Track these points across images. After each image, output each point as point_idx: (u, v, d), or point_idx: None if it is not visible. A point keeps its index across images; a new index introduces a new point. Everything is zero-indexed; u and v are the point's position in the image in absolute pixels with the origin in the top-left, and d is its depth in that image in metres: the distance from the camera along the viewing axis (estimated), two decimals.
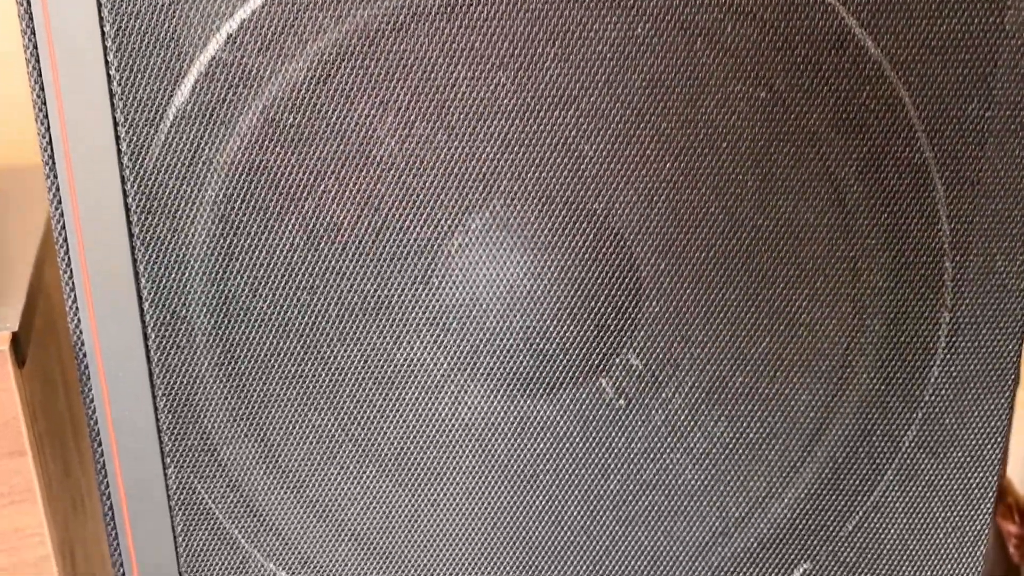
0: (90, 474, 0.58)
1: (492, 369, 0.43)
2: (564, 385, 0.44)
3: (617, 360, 0.44)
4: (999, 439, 0.43)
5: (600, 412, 0.45)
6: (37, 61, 0.38)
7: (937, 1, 0.38)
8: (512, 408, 0.44)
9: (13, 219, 0.58)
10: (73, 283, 0.41)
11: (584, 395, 0.45)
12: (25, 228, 0.56)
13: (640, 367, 0.44)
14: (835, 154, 0.39)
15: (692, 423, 0.44)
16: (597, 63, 0.38)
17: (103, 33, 0.38)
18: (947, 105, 0.39)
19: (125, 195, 0.40)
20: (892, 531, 0.45)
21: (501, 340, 0.43)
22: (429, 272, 0.41)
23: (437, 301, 0.42)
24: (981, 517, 0.45)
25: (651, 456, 0.45)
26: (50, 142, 0.39)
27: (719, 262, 0.41)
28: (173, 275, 0.41)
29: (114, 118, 0.39)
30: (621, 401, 0.45)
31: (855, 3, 0.38)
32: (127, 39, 0.37)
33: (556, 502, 0.45)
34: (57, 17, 0.37)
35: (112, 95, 0.38)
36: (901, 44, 0.38)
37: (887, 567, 0.46)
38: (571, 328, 0.43)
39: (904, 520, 0.45)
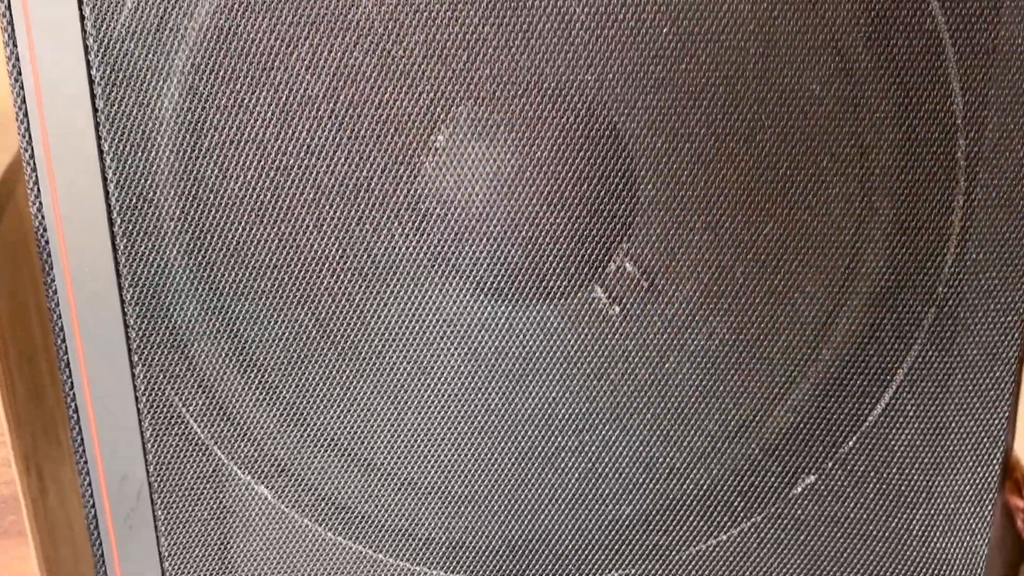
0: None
1: (477, 266, 0.41)
2: (555, 291, 0.42)
3: (610, 265, 0.42)
4: (1016, 335, 0.41)
5: (593, 319, 0.42)
6: None
7: None
8: (498, 312, 0.42)
9: None
10: (34, 163, 0.39)
11: (576, 303, 0.42)
12: None
13: (634, 271, 0.42)
14: (841, 20, 0.37)
15: (691, 322, 0.42)
16: None
17: None
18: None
19: (89, 66, 0.37)
20: (903, 437, 0.42)
21: (487, 234, 0.40)
22: (410, 153, 0.39)
23: (419, 186, 0.40)
24: (998, 421, 0.42)
25: (647, 358, 0.42)
26: (9, 8, 0.37)
27: (718, 140, 0.38)
28: (140, 154, 0.38)
29: None
30: (615, 308, 0.42)
31: None
32: None
33: (546, 406, 0.43)
34: None
35: None
36: None
37: (898, 477, 0.43)
38: (561, 225, 0.40)
39: (916, 425, 0.42)
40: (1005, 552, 0.78)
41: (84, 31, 0.37)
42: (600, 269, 0.42)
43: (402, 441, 0.43)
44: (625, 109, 0.38)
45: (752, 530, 0.45)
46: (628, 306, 0.42)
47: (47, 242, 0.39)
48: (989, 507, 0.43)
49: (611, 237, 0.41)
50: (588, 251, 0.41)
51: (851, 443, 0.43)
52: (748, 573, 0.45)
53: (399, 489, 0.44)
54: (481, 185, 0.39)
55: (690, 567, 0.45)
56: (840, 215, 0.39)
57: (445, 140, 0.39)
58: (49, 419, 0.50)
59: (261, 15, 0.37)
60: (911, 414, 0.42)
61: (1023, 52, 0.37)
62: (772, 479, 0.44)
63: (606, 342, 0.42)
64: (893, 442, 0.43)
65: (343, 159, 0.39)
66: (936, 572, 0.44)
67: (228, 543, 0.45)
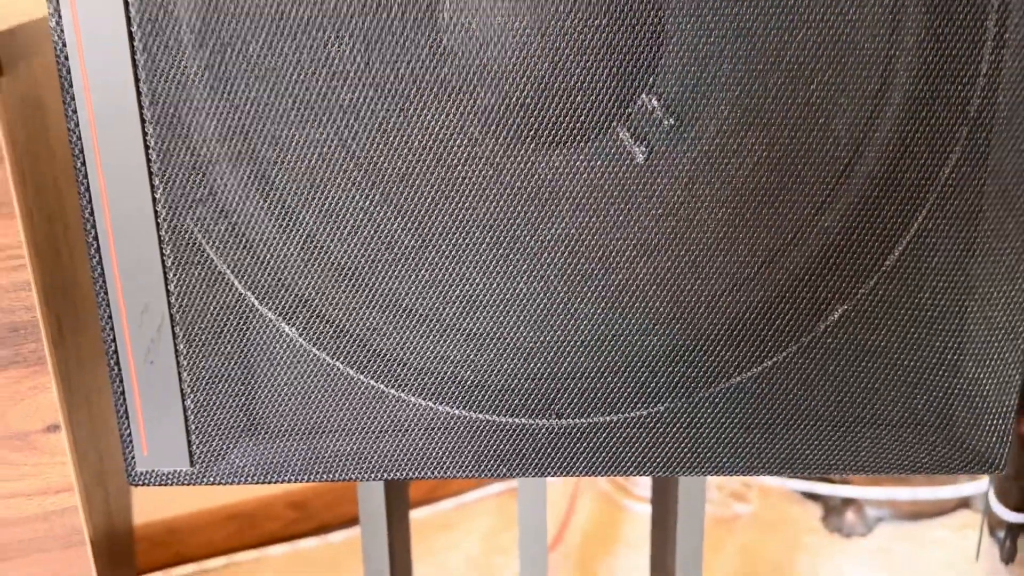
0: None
1: (498, 109, 0.40)
2: (579, 133, 0.41)
3: (635, 104, 0.41)
4: None
5: (619, 159, 0.41)
6: None
7: None
8: (528, 158, 0.41)
9: None
10: None
11: (602, 144, 0.41)
12: None
13: (660, 109, 0.41)
14: None
15: (718, 160, 0.41)
16: None
17: None
18: None
19: None
20: (936, 260, 0.42)
21: (513, 88, 0.39)
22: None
23: (441, 36, 0.39)
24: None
25: (676, 189, 0.42)
26: None
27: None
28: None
29: None
30: (640, 148, 0.42)
31: None
32: None
33: (573, 242, 0.42)
34: None
35: None
36: None
37: (930, 302, 0.42)
38: (589, 75, 0.40)
39: (949, 246, 0.42)
40: (1022, 477, 0.78)
41: None
42: (624, 109, 0.41)
43: (427, 275, 0.43)
44: None
45: (781, 365, 0.44)
46: (654, 144, 0.41)
47: (66, 58, 0.39)
48: (1022, 335, 0.43)
49: (636, 71, 0.40)
50: (611, 88, 0.40)
51: (884, 269, 0.42)
52: (779, 408, 0.44)
53: (424, 325, 0.44)
54: (501, 22, 0.39)
55: (719, 403, 0.44)
56: (874, 22, 0.38)
57: None
58: (68, 259, 0.49)
59: None
60: (944, 235, 0.41)
61: None
62: (804, 309, 0.43)
63: (633, 178, 0.42)
64: (925, 265, 0.42)
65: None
66: (968, 403, 0.44)
67: (252, 382, 0.44)
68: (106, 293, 0.42)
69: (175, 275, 0.42)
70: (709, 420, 0.45)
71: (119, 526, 0.66)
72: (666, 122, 0.41)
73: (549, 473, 0.45)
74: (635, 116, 0.41)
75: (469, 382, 0.44)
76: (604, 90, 0.40)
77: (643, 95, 0.41)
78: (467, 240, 0.42)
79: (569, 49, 0.39)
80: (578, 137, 0.41)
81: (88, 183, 0.40)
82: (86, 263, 0.42)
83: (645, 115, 0.41)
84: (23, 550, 0.43)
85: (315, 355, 0.44)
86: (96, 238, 0.41)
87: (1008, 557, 0.82)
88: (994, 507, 0.81)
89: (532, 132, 0.41)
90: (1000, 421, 0.44)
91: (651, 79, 0.40)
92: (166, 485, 0.45)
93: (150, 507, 0.91)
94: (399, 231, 0.42)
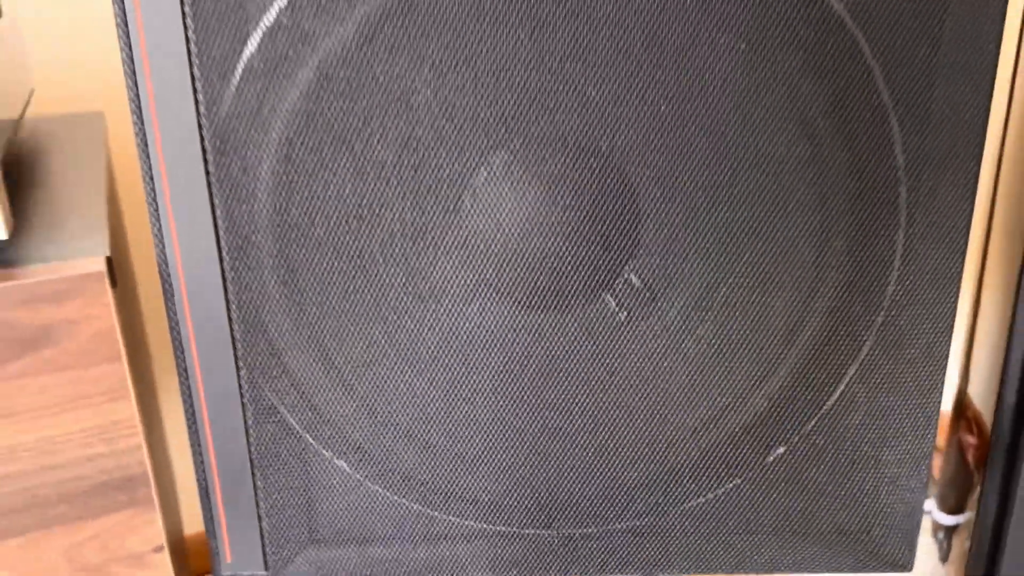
0: (154, 378, 0.66)
1: (512, 286, 0.51)
2: (575, 301, 0.52)
3: (620, 279, 0.51)
4: (947, 337, 0.51)
5: (605, 323, 0.52)
6: (126, 26, 0.45)
7: None
8: (530, 319, 0.52)
9: (77, 160, 0.66)
10: (159, 215, 0.48)
11: (592, 310, 0.52)
12: (91, 168, 0.64)
13: (639, 284, 0.52)
14: (805, 96, 0.46)
15: (684, 330, 0.52)
16: (602, 20, 0.45)
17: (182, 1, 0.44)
18: (901, 52, 0.45)
19: (202, 139, 0.47)
20: (855, 418, 0.53)
21: (520, 260, 0.50)
22: (459, 202, 0.49)
23: (466, 226, 0.49)
24: (931, 405, 0.52)
25: (649, 357, 0.53)
26: (137, 97, 0.46)
27: (706, 190, 0.48)
28: (244, 206, 0.48)
29: (192, 74, 0.46)
30: (623, 314, 0.52)
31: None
32: (201, 4, 0.44)
33: (567, 396, 0.53)
34: None
35: (190, 54, 0.45)
36: (874, 18, 0.45)
37: (851, 449, 0.54)
38: (580, 250, 0.50)
39: (865, 408, 0.53)
40: (957, 483, 0.89)
41: (198, 112, 0.46)
42: (611, 282, 0.52)
43: (452, 424, 0.54)
44: (632, 161, 0.48)
45: (734, 490, 0.55)
46: (633, 312, 0.52)
47: (169, 275, 0.49)
48: (925, 471, 0.54)
49: (620, 257, 0.51)
50: (601, 268, 0.51)
51: (813, 423, 0.53)
52: (732, 523, 0.56)
53: (450, 462, 0.55)
54: (512, 217, 0.49)
55: (684, 520, 0.56)
56: (804, 249, 0.49)
57: (483, 181, 0.49)
58: (156, 412, 0.61)
59: (341, 100, 0.46)
60: (861, 400, 0.53)
61: (952, 120, 0.47)
62: (749, 451, 0.54)
63: (615, 341, 0.53)
64: (847, 422, 0.53)
65: (406, 208, 0.48)
66: (882, 524, 0.55)
67: (313, 505, 0.56)
68: (200, 445, 0.53)
69: (254, 429, 0.53)
70: (676, 532, 0.56)
71: None
72: (644, 293, 0.52)
73: (552, 574, 0.57)
74: (620, 287, 0.52)
75: (486, 503, 0.56)
76: (596, 266, 0.51)
77: (626, 272, 0.51)
78: (485, 398, 0.53)
79: (566, 233, 0.50)
80: (574, 302, 0.52)
81: (186, 368, 0.51)
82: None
83: (627, 286, 0.52)
84: None
85: (363, 483, 0.55)
86: (192, 406, 0.52)
87: (944, 556, 0.94)
88: (934, 514, 0.93)
89: (538, 296, 0.51)
90: (908, 535, 0.55)
91: (632, 261, 0.51)
92: None
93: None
94: (432, 395, 0.53)
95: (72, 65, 0.82)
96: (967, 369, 0.84)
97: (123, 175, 0.87)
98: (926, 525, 0.96)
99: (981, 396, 0.82)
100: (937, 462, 1.10)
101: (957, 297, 0.50)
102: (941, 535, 0.93)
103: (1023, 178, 0.71)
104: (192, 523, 1.03)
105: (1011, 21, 0.69)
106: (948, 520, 0.91)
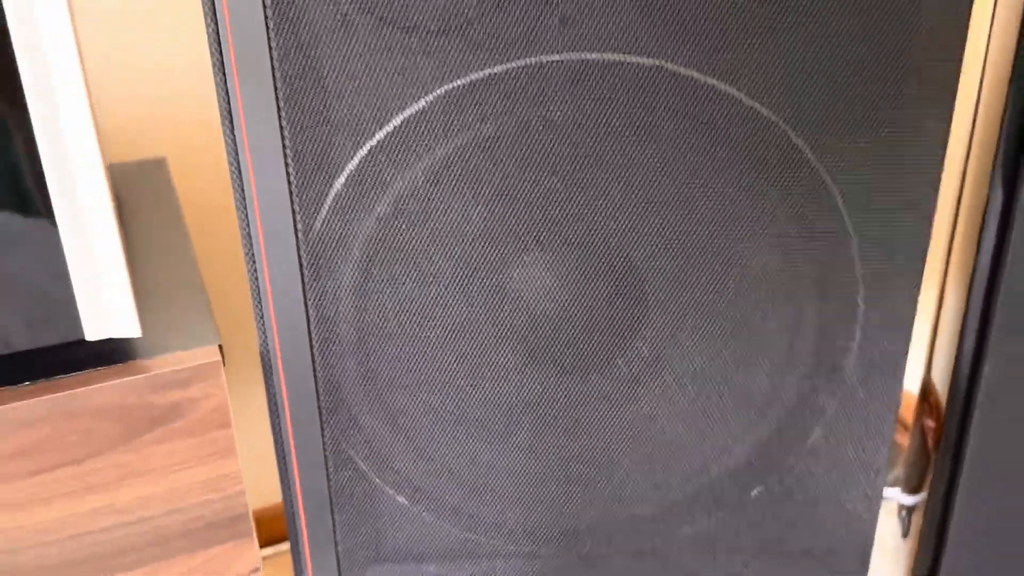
0: None
1: (542, 357, 0.63)
2: (593, 365, 0.64)
3: (630, 348, 0.64)
4: (892, 414, 0.63)
5: (617, 386, 0.65)
6: (239, 169, 0.56)
7: (865, 118, 0.55)
8: (556, 384, 0.64)
9: (154, 214, 0.77)
10: (262, 310, 0.60)
11: (606, 375, 0.64)
12: (172, 227, 0.75)
13: (647, 353, 0.64)
14: (784, 227, 0.58)
15: (680, 395, 0.64)
16: (620, 166, 0.56)
17: (284, 148, 0.56)
18: (867, 196, 0.57)
19: (299, 255, 0.59)
20: (819, 467, 0.66)
21: (549, 336, 0.62)
22: (499, 295, 0.60)
23: (505, 314, 0.61)
24: (879, 460, 0.65)
25: (651, 416, 0.65)
26: (248, 223, 0.58)
27: (704, 290, 0.60)
28: (330, 306, 0.60)
29: (292, 208, 0.57)
30: (631, 378, 0.64)
31: (800, 125, 0.55)
32: (300, 150, 0.56)
33: (585, 447, 0.66)
34: (253, 136, 0.55)
35: (291, 192, 0.57)
36: (834, 152, 0.56)
37: (815, 489, 0.66)
38: (600, 328, 0.62)
39: (827, 459, 0.65)
40: (919, 464, 1.02)
41: (296, 236, 0.58)
42: (624, 351, 0.64)
43: (493, 470, 0.66)
44: (642, 256, 0.60)
45: (720, 520, 0.68)
46: (639, 376, 0.64)
47: (269, 357, 0.61)
48: (876, 508, 0.67)
49: (630, 332, 0.63)
50: (615, 340, 0.63)
51: (785, 469, 0.66)
52: (719, 547, 0.69)
53: (490, 499, 0.68)
54: (546, 313, 0.61)
55: (680, 543, 0.69)
56: (780, 340, 0.61)
57: (521, 287, 0.60)
58: None
59: (410, 228, 0.58)
60: (823, 453, 0.65)
61: (904, 246, 0.58)
62: (733, 490, 0.67)
63: (625, 402, 0.65)
64: (813, 469, 0.66)
65: (458, 305, 0.60)
66: (841, 547, 0.68)
67: (379, 531, 0.68)
68: (289, 486, 0.66)
69: (333, 474, 0.66)
70: (674, 553, 0.69)
71: None
72: (650, 362, 0.64)
73: None
74: (630, 354, 0.64)
75: (519, 530, 0.69)
76: (611, 336, 0.63)
77: (636, 341, 0.64)
78: (520, 449, 0.66)
79: (588, 313, 0.62)
80: (593, 366, 0.64)
81: (280, 427, 0.63)
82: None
83: (637, 354, 0.64)
84: None
85: (419, 514, 0.68)
86: (284, 456, 0.64)
87: (905, 532, 1.08)
88: (896, 496, 1.06)
89: (563, 364, 0.64)
90: (862, 553, 0.68)
91: (640, 331, 0.63)
92: None
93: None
94: (477, 448, 0.65)
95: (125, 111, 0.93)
96: (931, 358, 0.96)
97: (189, 218, 0.98)
98: (891, 506, 1.09)
99: (942, 383, 0.95)
100: (904, 443, 1.24)
101: (903, 377, 0.62)
102: (904, 514, 1.06)
103: (981, 190, 0.82)
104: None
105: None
106: (908, 500, 1.04)
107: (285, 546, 1.22)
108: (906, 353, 0.62)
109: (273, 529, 1.21)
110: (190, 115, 0.96)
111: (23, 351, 0.57)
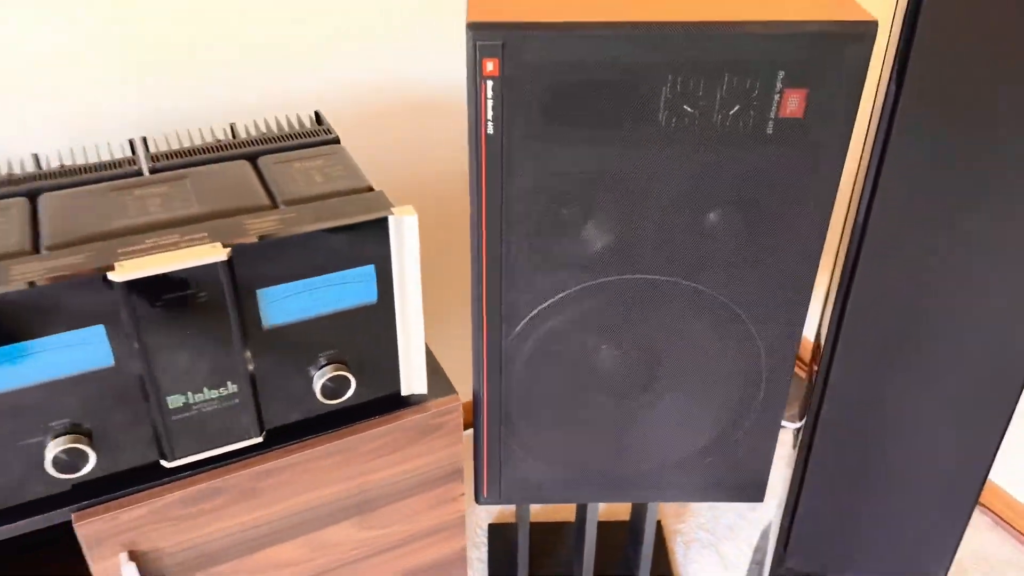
0: None
1: (607, 390, 1.29)
2: (630, 395, 1.30)
3: (646, 391, 1.30)
4: (780, 414, 1.30)
5: (641, 405, 1.31)
6: (480, 298, 1.21)
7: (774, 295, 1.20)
8: (614, 402, 1.30)
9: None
10: (479, 374, 1.25)
11: (636, 400, 1.30)
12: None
13: (654, 393, 1.30)
14: (726, 346, 1.23)
15: (671, 412, 1.31)
16: (650, 321, 1.21)
17: (501, 303, 1.20)
18: (775, 341, 1.22)
19: (501, 350, 1.23)
20: (751, 440, 1.33)
21: (612, 384, 1.28)
22: (590, 366, 1.26)
23: (592, 373, 1.27)
24: (771, 446, 1.32)
25: (655, 420, 1.32)
26: (481, 337, 1.23)
27: (685, 372, 1.26)
28: (509, 370, 1.25)
29: (501, 328, 1.22)
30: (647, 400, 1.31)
31: (732, 295, 1.20)
32: (507, 303, 1.20)
33: (627, 436, 1.33)
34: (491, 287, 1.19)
35: (501, 321, 1.21)
36: (759, 320, 1.21)
37: (747, 459, 1.34)
38: (634, 379, 1.28)
39: (755, 436, 1.33)
40: (804, 398, 1.71)
41: (501, 342, 1.23)
42: (643, 390, 1.30)
43: (594, 451, 1.33)
44: (656, 353, 1.25)
45: (700, 464, 1.36)
46: (651, 401, 1.31)
47: (479, 389, 1.27)
48: (771, 455, 1.34)
49: (647, 382, 1.29)
50: (639, 384, 1.29)
51: (731, 445, 1.33)
52: (699, 479, 1.37)
53: (581, 456, 1.35)
54: (610, 366, 1.27)
55: (664, 484, 1.37)
56: (723, 387, 1.27)
57: (600, 357, 1.26)
58: None
59: (550, 358, 1.23)
60: (753, 436, 1.32)
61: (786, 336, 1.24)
62: (703, 459, 1.35)
63: (644, 412, 1.32)
64: (746, 445, 1.33)
65: (569, 371, 1.26)
66: (756, 478, 1.36)
67: (524, 474, 1.36)
68: (478, 449, 1.33)
69: (502, 459, 1.33)
70: (659, 485, 1.37)
71: None
72: (649, 388, 1.31)
73: (624, 493, 1.38)
74: (646, 393, 1.30)
75: (595, 470, 1.36)
76: (638, 383, 1.29)
77: (649, 387, 1.30)
78: (606, 432, 1.33)
79: (628, 371, 1.28)
80: (630, 395, 1.31)
81: (479, 423, 1.30)
82: None
83: (650, 393, 1.30)
84: None
85: (542, 466, 1.35)
86: (477, 431, 1.31)
87: (795, 444, 1.77)
88: (787, 425, 1.75)
89: (618, 391, 1.30)
90: (760, 484, 1.37)
91: (651, 384, 1.29)
92: (486, 505, 1.38)
93: None
94: (585, 438, 1.32)
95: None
96: (820, 321, 1.63)
97: None
98: (787, 434, 1.79)
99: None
100: (798, 382, 1.94)
101: (783, 410, 1.28)
102: (796, 432, 1.75)
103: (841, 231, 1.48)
104: None
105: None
106: (795, 425, 1.73)
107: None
108: (782, 410, 1.28)
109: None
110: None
111: (374, 399, 1.23)
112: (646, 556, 1.78)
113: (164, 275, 0.95)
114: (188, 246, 0.98)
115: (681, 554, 1.96)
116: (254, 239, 0.99)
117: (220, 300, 1.00)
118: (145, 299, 0.95)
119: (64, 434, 1.00)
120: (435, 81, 1.62)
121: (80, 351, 0.96)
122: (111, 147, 1.38)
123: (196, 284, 0.97)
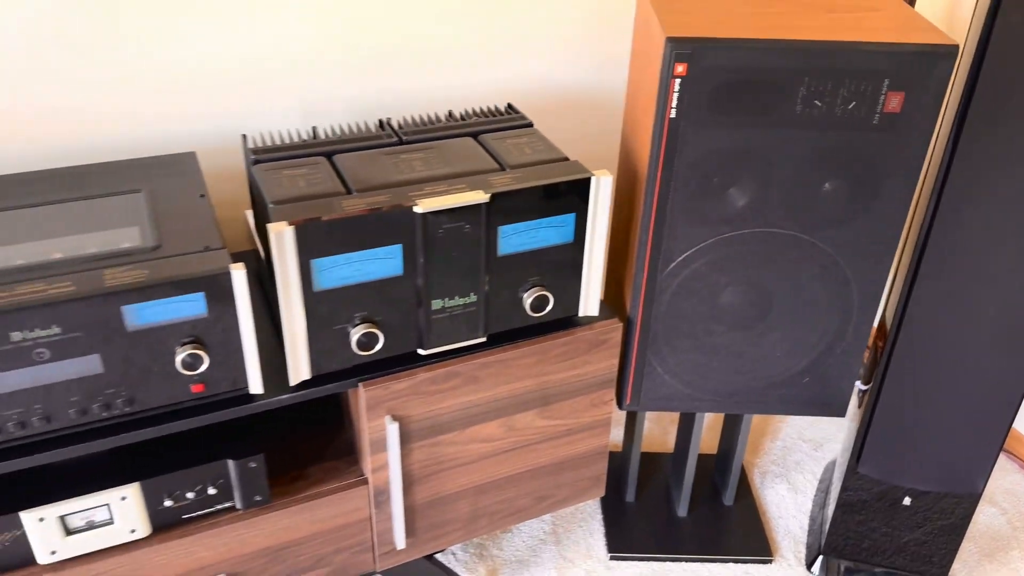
0: None
1: (730, 322, 1.68)
2: (750, 326, 1.69)
3: (760, 323, 1.68)
4: (860, 357, 1.68)
5: (756, 335, 1.70)
6: (647, 244, 1.61)
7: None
8: (739, 333, 1.69)
9: None
10: (636, 299, 1.65)
11: (753, 330, 1.69)
12: None
13: (765, 325, 1.69)
14: (822, 281, 1.62)
15: (778, 340, 1.69)
16: (785, 263, 1.60)
17: (652, 245, 1.60)
18: (865, 285, 1.61)
19: (655, 283, 1.63)
20: (838, 367, 1.71)
21: (734, 317, 1.67)
22: (719, 302, 1.65)
23: (718, 307, 1.66)
24: (856, 366, 1.71)
25: (770, 345, 1.70)
26: (642, 267, 1.62)
27: (792, 307, 1.65)
28: (660, 300, 1.64)
29: (657, 265, 1.61)
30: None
31: (836, 247, 1.59)
32: (663, 249, 1.59)
33: (745, 359, 1.71)
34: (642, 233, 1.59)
35: (657, 263, 1.61)
36: (855, 267, 1.60)
37: (836, 380, 1.73)
38: (751, 313, 1.67)
39: (845, 364, 1.71)
40: (871, 367, 2.09)
41: (656, 277, 1.63)
42: (759, 322, 1.69)
43: (713, 370, 1.73)
44: (769, 288, 1.64)
45: (787, 386, 1.75)
46: (764, 331, 1.70)
47: (635, 313, 1.66)
48: (856, 373, 1.73)
49: (761, 314, 1.68)
50: (756, 317, 1.68)
51: (827, 366, 1.72)
52: (795, 391, 1.76)
53: (706, 378, 1.74)
54: (735, 301, 1.66)
55: (769, 396, 1.76)
56: (824, 320, 1.66)
57: (726, 294, 1.65)
58: None
59: (692, 281, 1.62)
60: (845, 357, 1.71)
61: (876, 280, 1.63)
62: (802, 379, 1.73)
63: (759, 340, 1.70)
64: (837, 365, 1.72)
65: (703, 303, 1.65)
66: (840, 395, 1.75)
67: (664, 391, 1.75)
68: (624, 371, 1.72)
69: (645, 374, 1.72)
70: (766, 400, 1.76)
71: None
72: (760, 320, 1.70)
73: (753, 405, 1.78)
74: (760, 325, 1.69)
75: (724, 391, 1.76)
76: (754, 316, 1.68)
77: (764, 319, 1.69)
78: (728, 358, 1.72)
79: (749, 307, 1.67)
80: (749, 326, 1.70)
81: (629, 340, 1.70)
82: None
83: (763, 324, 1.69)
84: None
85: (677, 386, 1.75)
86: (625, 349, 1.71)
87: (860, 403, 2.16)
88: (858, 385, 2.13)
89: (739, 325, 1.69)
90: (844, 403, 1.76)
91: (765, 316, 1.68)
92: (628, 411, 1.77)
93: None
94: (707, 362, 1.72)
95: None
96: (886, 306, 2.01)
97: None
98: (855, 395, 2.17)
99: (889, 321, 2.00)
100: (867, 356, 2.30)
101: (867, 340, 1.67)
102: (859, 393, 2.14)
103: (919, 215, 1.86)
104: None
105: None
106: (863, 387, 2.12)
107: None
108: (872, 322, 1.66)
109: None
110: None
111: (559, 318, 1.62)
112: (732, 483, 2.17)
113: (451, 209, 1.35)
114: (458, 192, 1.38)
115: (759, 482, 2.34)
116: (503, 189, 1.39)
117: (477, 232, 1.40)
118: (433, 226, 1.36)
119: (364, 323, 1.40)
120: (589, 84, 2.03)
121: (383, 263, 1.36)
122: (361, 125, 1.80)
123: (465, 218, 1.38)
